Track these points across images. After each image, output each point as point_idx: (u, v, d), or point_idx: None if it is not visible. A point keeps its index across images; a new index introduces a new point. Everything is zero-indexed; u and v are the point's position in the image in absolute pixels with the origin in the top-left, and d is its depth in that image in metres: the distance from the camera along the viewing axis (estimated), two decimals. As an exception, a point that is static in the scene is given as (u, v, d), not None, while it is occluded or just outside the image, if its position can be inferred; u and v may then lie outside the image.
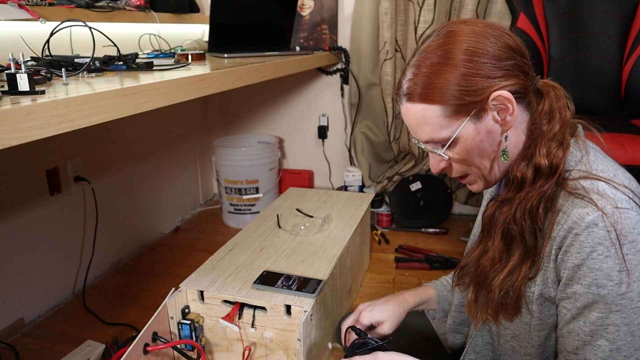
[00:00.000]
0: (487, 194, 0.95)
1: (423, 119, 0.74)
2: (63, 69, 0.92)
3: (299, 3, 2.24)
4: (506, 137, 0.74)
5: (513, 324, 0.80)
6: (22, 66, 0.83)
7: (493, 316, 0.79)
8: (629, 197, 0.68)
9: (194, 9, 2.04)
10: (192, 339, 1.17)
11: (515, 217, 0.73)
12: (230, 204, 2.31)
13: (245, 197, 2.28)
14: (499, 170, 0.78)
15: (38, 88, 0.80)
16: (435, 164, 0.78)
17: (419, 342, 1.09)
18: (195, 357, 1.16)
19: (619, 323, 0.66)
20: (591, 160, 0.73)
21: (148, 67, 1.20)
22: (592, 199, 0.67)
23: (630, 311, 0.66)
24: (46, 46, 1.08)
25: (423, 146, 0.78)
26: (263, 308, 1.15)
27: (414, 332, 1.09)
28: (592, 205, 0.67)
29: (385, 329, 0.98)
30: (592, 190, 0.68)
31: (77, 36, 1.55)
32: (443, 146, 0.75)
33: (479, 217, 0.94)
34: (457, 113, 0.72)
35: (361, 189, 2.36)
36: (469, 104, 0.71)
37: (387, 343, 0.87)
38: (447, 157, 0.76)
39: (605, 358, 0.67)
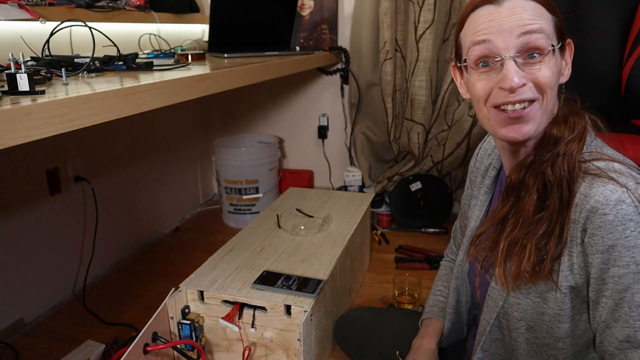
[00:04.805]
0: (478, 200, 0.94)
1: (540, 15, 0.72)
2: (63, 69, 0.92)
3: (299, 3, 2.24)
4: (563, 88, 0.76)
5: (528, 315, 0.77)
6: (22, 66, 0.83)
7: (529, 274, 0.74)
8: None
9: (194, 8, 2.04)
10: (192, 339, 1.17)
11: (554, 168, 0.72)
12: (230, 204, 2.31)
13: (245, 197, 2.28)
14: (547, 119, 0.75)
15: (38, 88, 0.79)
16: (519, 76, 0.70)
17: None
18: (195, 357, 1.16)
19: None
20: (600, 145, 0.74)
21: (148, 67, 1.20)
22: (612, 177, 0.67)
23: None
24: (46, 46, 1.08)
25: (511, 53, 0.70)
26: (263, 308, 1.15)
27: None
28: (613, 183, 0.66)
29: None
30: (609, 170, 0.68)
31: (77, 36, 1.55)
32: (543, 51, 0.71)
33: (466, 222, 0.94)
34: (557, 33, 0.73)
35: (361, 189, 2.36)
36: (563, 34, 0.74)
37: None
38: (536, 68, 0.71)
39: None
